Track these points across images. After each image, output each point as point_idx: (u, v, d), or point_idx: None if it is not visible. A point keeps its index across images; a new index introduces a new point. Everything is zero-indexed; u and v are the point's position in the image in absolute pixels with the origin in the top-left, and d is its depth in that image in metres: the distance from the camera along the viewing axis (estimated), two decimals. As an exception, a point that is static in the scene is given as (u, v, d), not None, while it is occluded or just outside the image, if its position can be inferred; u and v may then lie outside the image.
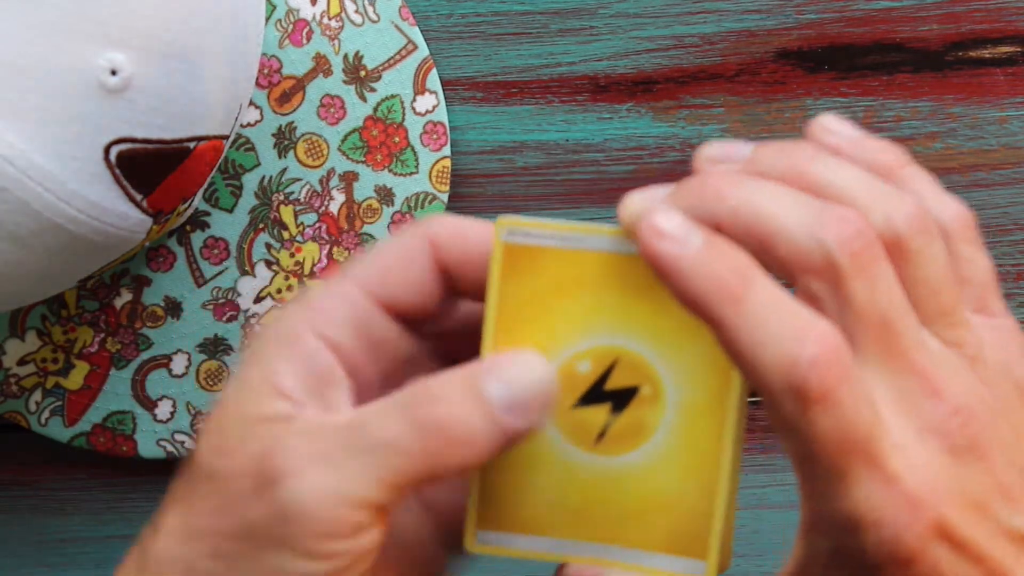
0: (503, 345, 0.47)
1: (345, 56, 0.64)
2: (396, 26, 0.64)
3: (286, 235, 0.64)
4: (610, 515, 0.48)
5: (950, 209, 0.46)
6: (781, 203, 0.43)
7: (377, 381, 0.47)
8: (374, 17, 0.64)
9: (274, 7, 0.64)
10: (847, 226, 0.43)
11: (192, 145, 0.55)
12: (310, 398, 0.46)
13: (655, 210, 0.44)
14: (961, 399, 0.43)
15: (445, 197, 0.64)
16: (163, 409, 0.65)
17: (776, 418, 0.43)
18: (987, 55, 0.65)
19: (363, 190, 0.64)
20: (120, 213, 0.54)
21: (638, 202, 0.44)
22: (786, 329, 0.42)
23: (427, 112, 0.64)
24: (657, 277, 0.44)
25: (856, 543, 0.43)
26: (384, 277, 0.47)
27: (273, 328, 0.47)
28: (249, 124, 0.64)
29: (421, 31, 0.65)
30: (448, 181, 0.64)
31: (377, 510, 0.44)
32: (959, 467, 0.43)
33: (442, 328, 0.49)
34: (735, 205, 0.43)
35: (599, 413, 0.47)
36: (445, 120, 0.64)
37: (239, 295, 0.64)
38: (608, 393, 0.47)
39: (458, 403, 0.44)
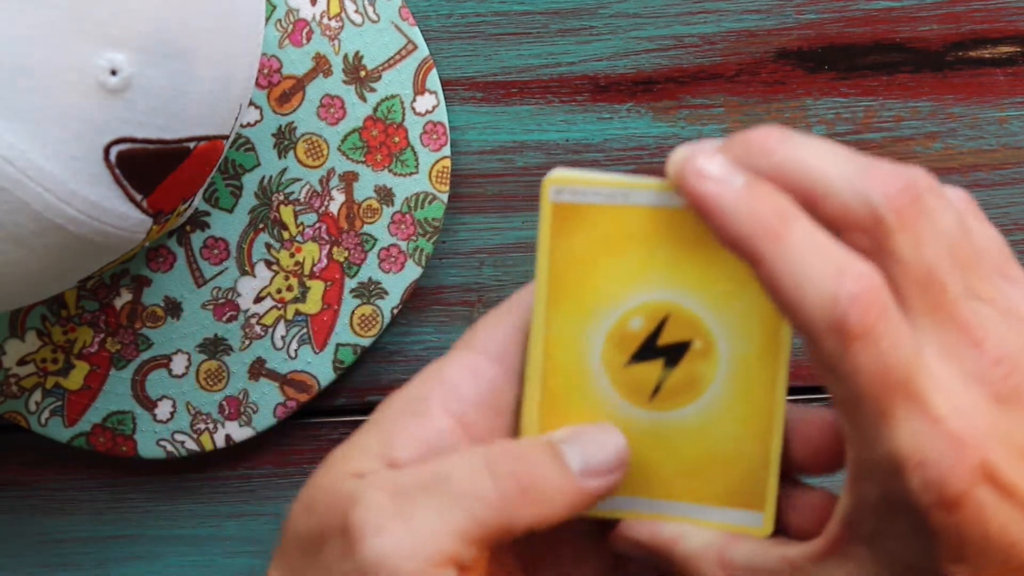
0: (555, 306, 0.47)
1: (345, 56, 0.64)
2: (396, 26, 0.64)
3: (286, 235, 0.64)
4: (667, 470, 0.48)
5: (952, 190, 0.46)
6: (827, 159, 0.43)
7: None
8: (374, 17, 0.64)
9: (274, 7, 0.64)
10: (893, 182, 0.43)
11: (192, 145, 0.55)
12: None
13: (699, 154, 0.44)
14: (1004, 350, 0.43)
15: (445, 197, 0.64)
16: (163, 409, 0.65)
17: (819, 359, 0.43)
18: (987, 55, 0.65)
19: (363, 190, 0.64)
20: (120, 213, 0.54)
21: (684, 151, 0.44)
22: (826, 267, 0.42)
23: (427, 112, 0.64)
24: (705, 229, 0.45)
25: (902, 487, 0.42)
26: (513, 344, 0.48)
27: (403, 398, 0.47)
28: (249, 124, 0.64)
29: (421, 31, 0.65)
30: (448, 181, 0.64)
31: (459, 567, 0.44)
32: (1004, 414, 0.43)
33: None
34: (781, 160, 0.44)
35: (653, 369, 0.47)
36: (445, 120, 0.64)
37: (239, 295, 0.64)
38: (661, 349, 0.47)
39: (541, 463, 0.45)
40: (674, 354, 0.47)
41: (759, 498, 0.48)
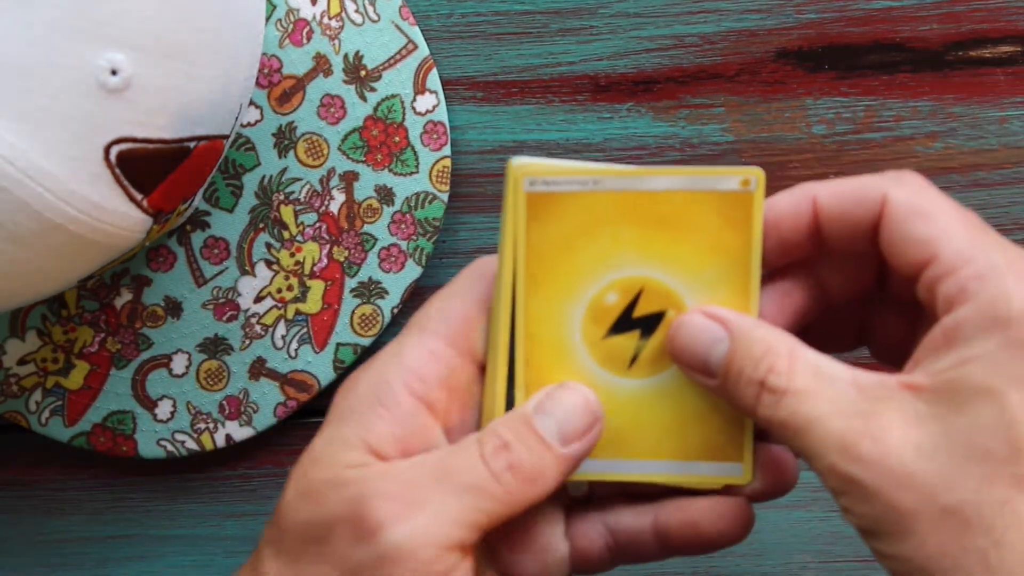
0: (533, 288, 0.50)
1: (345, 56, 0.64)
2: (396, 26, 0.64)
3: (286, 235, 0.64)
4: (649, 432, 0.51)
5: None
6: None
7: (460, 422, 0.51)
8: (374, 17, 0.64)
9: (274, 7, 0.64)
10: None
11: (192, 145, 0.55)
12: (402, 456, 0.50)
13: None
14: None
15: (445, 197, 0.64)
16: (163, 409, 0.65)
17: None
18: (987, 55, 0.65)
19: (363, 190, 0.64)
20: (120, 213, 0.54)
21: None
22: None
23: (427, 112, 0.64)
24: (671, 209, 0.49)
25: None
26: (465, 329, 0.51)
27: (366, 384, 0.51)
28: (249, 124, 0.64)
29: (421, 31, 0.65)
30: (448, 181, 0.64)
31: (465, 548, 0.48)
32: None
33: None
34: None
35: (630, 340, 0.51)
36: (445, 120, 0.64)
37: (239, 295, 0.64)
38: (637, 320, 0.51)
39: (526, 446, 0.49)
40: (649, 324, 0.51)
41: (737, 449, 0.51)
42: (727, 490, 0.52)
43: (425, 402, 0.50)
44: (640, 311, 0.50)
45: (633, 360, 0.51)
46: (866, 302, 0.52)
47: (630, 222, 0.50)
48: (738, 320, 0.49)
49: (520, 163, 0.50)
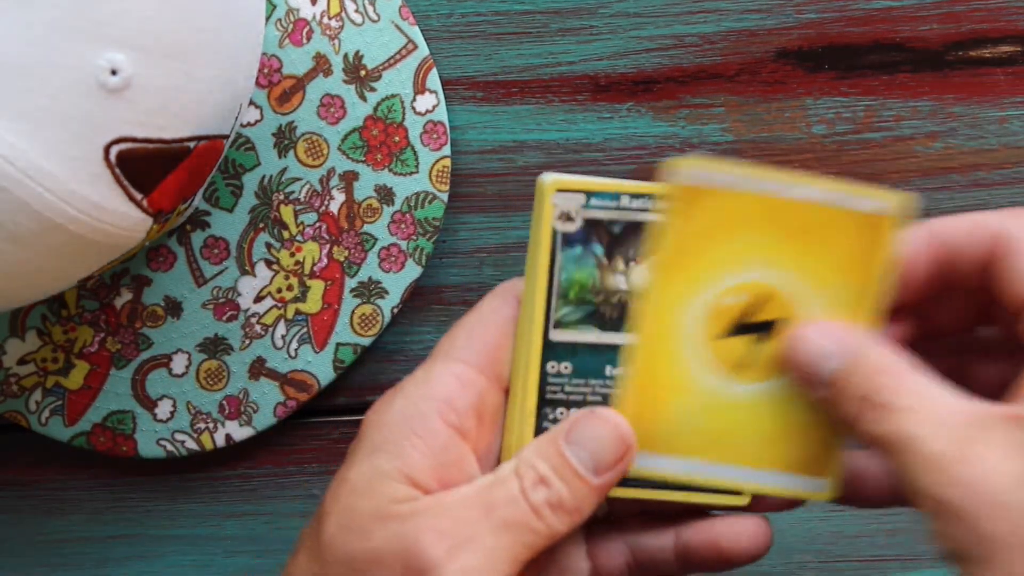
0: (668, 278, 0.50)
1: (345, 56, 0.64)
2: (396, 26, 0.64)
3: (286, 234, 0.64)
4: (746, 439, 0.51)
5: None
6: None
7: (489, 448, 0.52)
8: (374, 17, 0.64)
9: (274, 7, 0.64)
10: None
11: (192, 145, 0.55)
12: (440, 486, 0.50)
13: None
14: None
15: (445, 196, 0.64)
16: (163, 409, 0.65)
17: None
18: (987, 55, 0.65)
19: (363, 189, 0.64)
20: (120, 213, 0.54)
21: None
22: None
23: (427, 112, 0.64)
24: (808, 219, 0.49)
25: None
26: (494, 355, 0.51)
27: (398, 414, 0.51)
28: (249, 124, 0.64)
29: (421, 31, 0.65)
30: (448, 180, 0.64)
31: None
32: None
33: None
34: None
35: (744, 343, 0.51)
36: (445, 120, 0.64)
37: (239, 295, 0.64)
38: (755, 325, 0.51)
39: (563, 480, 0.49)
40: (764, 331, 0.51)
41: (824, 465, 0.51)
42: (746, 508, 0.52)
43: (459, 430, 0.51)
44: (757, 316, 0.50)
45: (742, 364, 0.51)
46: (965, 345, 0.53)
47: (768, 226, 0.50)
48: (856, 336, 0.49)
49: (550, 178, 0.50)
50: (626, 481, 0.51)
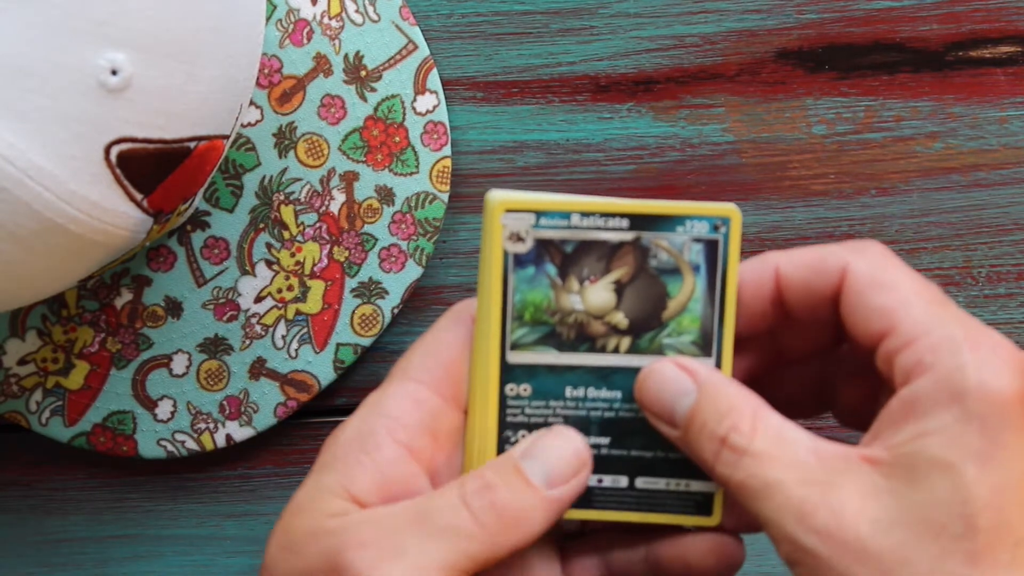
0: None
1: (345, 56, 0.64)
2: (396, 26, 0.64)
3: (286, 235, 0.64)
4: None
5: None
6: None
7: (446, 468, 0.50)
8: (375, 17, 0.64)
9: (274, 7, 0.64)
10: None
11: (193, 145, 0.55)
12: (382, 502, 0.49)
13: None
14: None
15: (445, 197, 0.64)
16: (163, 409, 0.65)
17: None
18: (987, 55, 0.65)
19: (363, 190, 0.64)
20: (120, 213, 0.54)
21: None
22: None
23: (427, 112, 0.64)
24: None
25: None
26: (449, 375, 0.50)
27: (350, 433, 0.50)
28: (250, 124, 0.64)
29: (421, 31, 0.65)
30: (448, 181, 0.64)
31: None
32: None
33: None
34: None
35: None
36: (445, 120, 0.64)
37: (239, 295, 0.64)
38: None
39: (510, 487, 0.48)
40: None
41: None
42: (717, 528, 0.52)
43: (409, 449, 0.49)
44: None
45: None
46: (826, 366, 0.52)
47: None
48: (708, 374, 0.49)
49: (498, 197, 0.49)
50: (593, 502, 0.51)
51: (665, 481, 0.51)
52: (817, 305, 0.49)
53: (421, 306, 0.66)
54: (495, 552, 0.48)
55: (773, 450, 0.47)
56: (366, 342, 0.65)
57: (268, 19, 0.64)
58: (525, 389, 0.51)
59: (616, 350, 0.50)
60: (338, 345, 0.65)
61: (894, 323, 0.47)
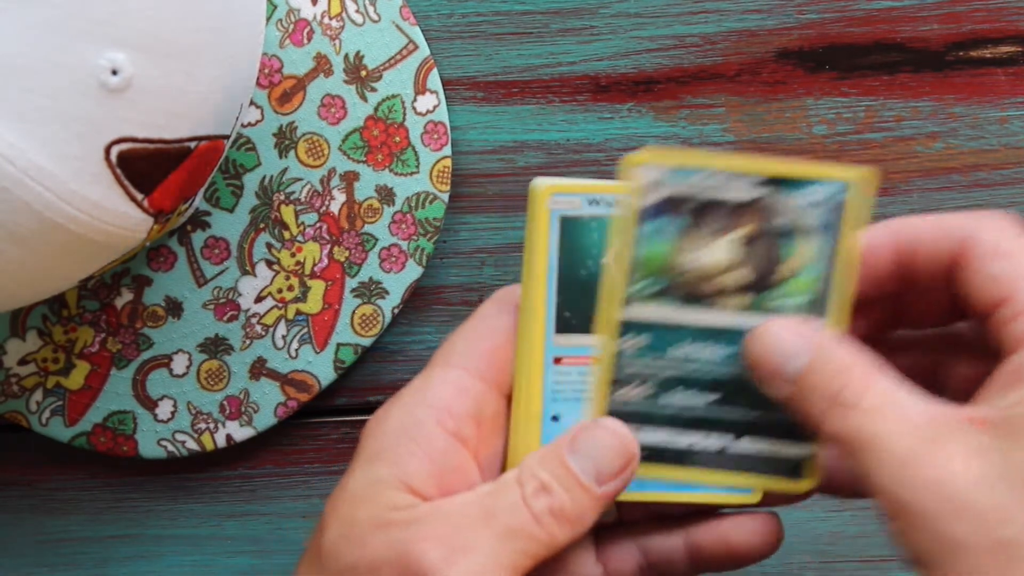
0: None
1: (346, 56, 0.64)
2: (397, 26, 0.64)
3: (287, 235, 0.64)
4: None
5: None
6: None
7: (491, 455, 0.51)
8: (375, 17, 0.64)
9: (275, 7, 0.64)
10: None
11: (193, 145, 0.55)
12: (440, 493, 0.50)
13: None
14: None
15: (446, 197, 0.64)
16: (164, 409, 0.65)
17: None
18: (988, 55, 0.65)
19: (364, 190, 0.64)
20: (121, 213, 0.54)
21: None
22: None
23: (428, 112, 0.64)
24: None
25: None
26: (492, 361, 0.51)
27: (396, 422, 0.51)
28: (250, 124, 0.64)
29: (422, 31, 0.65)
30: (449, 181, 0.64)
31: None
32: None
33: None
34: None
35: None
36: (446, 120, 0.64)
37: (240, 295, 0.64)
38: None
39: (566, 489, 0.49)
40: None
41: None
42: (756, 504, 0.52)
43: (458, 438, 0.50)
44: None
45: None
46: (941, 348, 0.53)
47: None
48: (821, 334, 0.49)
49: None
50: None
51: (759, 445, 0.51)
52: (937, 272, 0.50)
53: (421, 306, 0.66)
54: (552, 551, 0.49)
55: (881, 405, 0.47)
56: (366, 342, 0.65)
57: (268, 19, 0.64)
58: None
59: (734, 308, 0.50)
60: (338, 345, 0.65)
61: (1012, 292, 0.48)
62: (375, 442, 0.51)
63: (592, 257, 0.51)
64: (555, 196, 0.50)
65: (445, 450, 0.50)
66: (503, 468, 0.52)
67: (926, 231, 0.50)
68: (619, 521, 0.54)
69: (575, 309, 0.51)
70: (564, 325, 0.51)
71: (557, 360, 0.51)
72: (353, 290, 0.64)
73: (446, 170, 0.64)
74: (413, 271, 0.64)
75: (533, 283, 0.51)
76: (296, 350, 0.65)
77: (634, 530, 0.53)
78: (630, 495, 0.51)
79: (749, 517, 0.52)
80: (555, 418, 0.51)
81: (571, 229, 0.51)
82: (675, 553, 0.53)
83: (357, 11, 0.64)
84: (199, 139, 0.55)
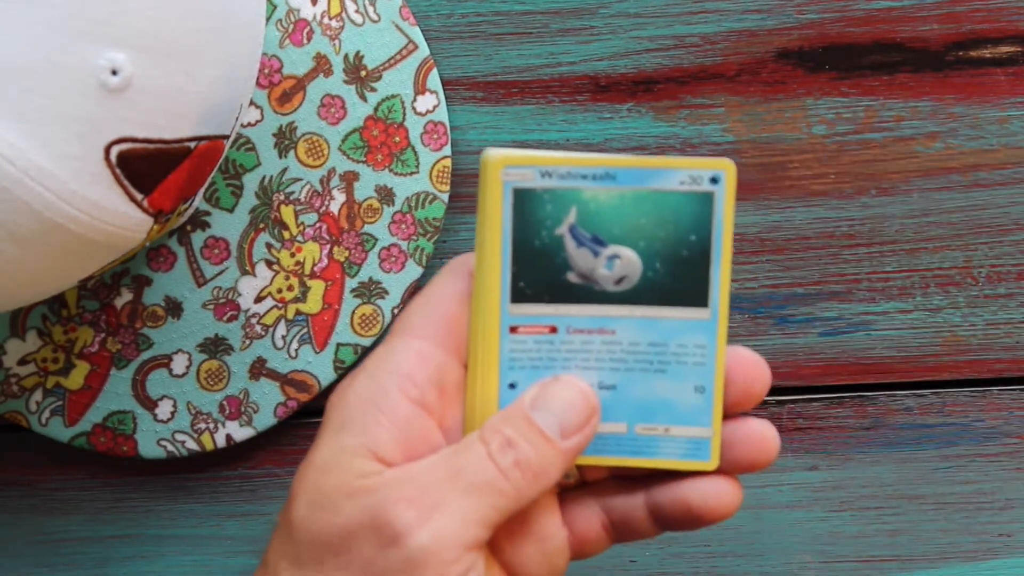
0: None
1: (346, 56, 0.64)
2: (397, 26, 0.64)
3: (287, 235, 0.64)
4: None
5: None
6: None
7: (454, 420, 0.52)
8: (375, 17, 0.64)
9: (275, 7, 0.64)
10: None
11: (193, 145, 0.55)
12: (405, 459, 0.51)
13: None
14: None
15: (445, 197, 0.64)
16: (163, 409, 0.65)
17: None
18: (988, 55, 0.65)
19: (363, 190, 0.64)
20: (121, 213, 0.54)
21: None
22: None
23: (428, 112, 0.64)
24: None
25: None
26: (450, 329, 0.52)
27: (361, 391, 0.51)
28: (250, 124, 0.64)
29: (422, 31, 0.65)
30: (448, 181, 0.64)
31: (480, 546, 0.50)
32: None
33: None
34: None
35: None
36: (446, 120, 0.64)
37: (239, 295, 0.64)
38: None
39: (529, 442, 0.50)
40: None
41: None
42: (715, 472, 0.53)
43: (421, 405, 0.51)
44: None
45: None
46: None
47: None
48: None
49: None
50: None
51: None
52: None
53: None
54: (519, 504, 0.50)
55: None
56: (366, 342, 0.65)
57: (268, 19, 0.64)
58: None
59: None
60: (338, 345, 0.65)
61: None
62: (340, 412, 0.51)
63: (546, 228, 0.51)
64: (508, 168, 0.51)
65: (409, 417, 0.51)
66: (463, 435, 0.52)
67: None
68: (582, 482, 0.55)
69: (529, 279, 0.52)
70: (518, 295, 0.52)
71: (513, 329, 0.52)
72: (353, 290, 0.64)
73: (446, 170, 0.64)
74: (413, 271, 0.64)
75: (487, 254, 0.51)
76: (296, 350, 0.65)
77: (597, 491, 0.54)
78: (591, 459, 0.53)
79: (708, 479, 0.53)
80: (512, 385, 0.52)
81: (524, 200, 0.51)
82: (637, 512, 0.54)
83: (357, 11, 0.64)
84: (199, 139, 0.55)
